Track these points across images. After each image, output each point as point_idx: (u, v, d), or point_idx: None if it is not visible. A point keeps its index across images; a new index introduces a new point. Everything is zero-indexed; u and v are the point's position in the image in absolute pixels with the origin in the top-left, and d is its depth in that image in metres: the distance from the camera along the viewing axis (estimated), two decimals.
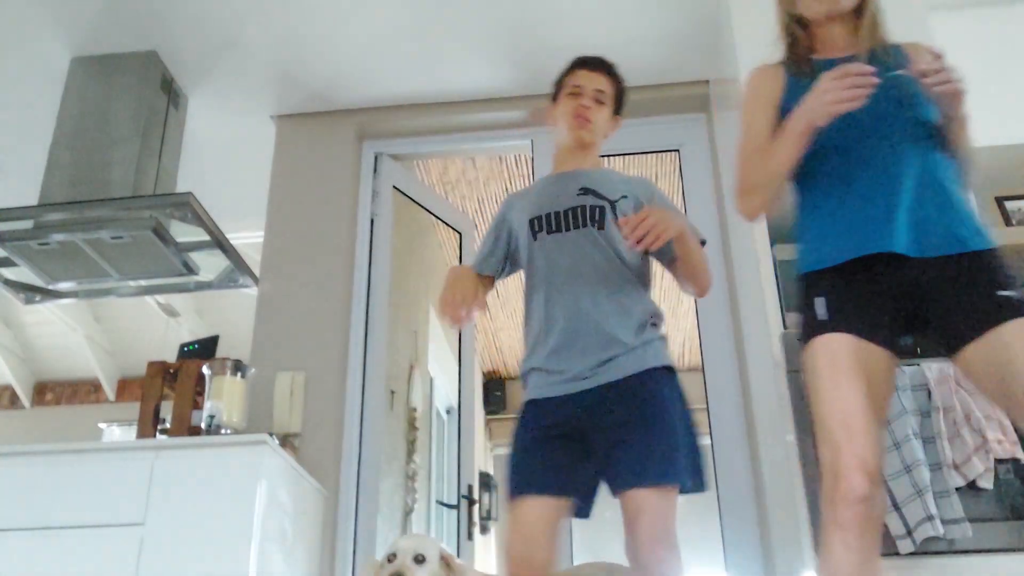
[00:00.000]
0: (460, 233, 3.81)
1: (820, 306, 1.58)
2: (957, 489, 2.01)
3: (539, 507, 1.80)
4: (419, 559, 1.71)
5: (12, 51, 3.16)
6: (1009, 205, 2.85)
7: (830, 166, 1.65)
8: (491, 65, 3.29)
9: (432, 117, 3.50)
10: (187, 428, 2.70)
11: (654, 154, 3.92)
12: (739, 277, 2.93)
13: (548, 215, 2.03)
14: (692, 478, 1.81)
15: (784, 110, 1.71)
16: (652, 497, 1.72)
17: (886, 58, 1.69)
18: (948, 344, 1.53)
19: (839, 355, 1.51)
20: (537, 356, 1.95)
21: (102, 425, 6.14)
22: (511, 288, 5.17)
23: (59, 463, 2.41)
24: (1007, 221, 2.83)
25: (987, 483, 2.02)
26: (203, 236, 3.01)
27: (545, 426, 1.88)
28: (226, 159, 3.76)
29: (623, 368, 1.84)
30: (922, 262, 1.54)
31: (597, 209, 1.99)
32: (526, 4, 3.01)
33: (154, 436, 2.72)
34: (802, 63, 1.77)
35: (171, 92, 3.29)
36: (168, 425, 2.72)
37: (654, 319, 1.95)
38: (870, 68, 1.51)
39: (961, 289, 1.51)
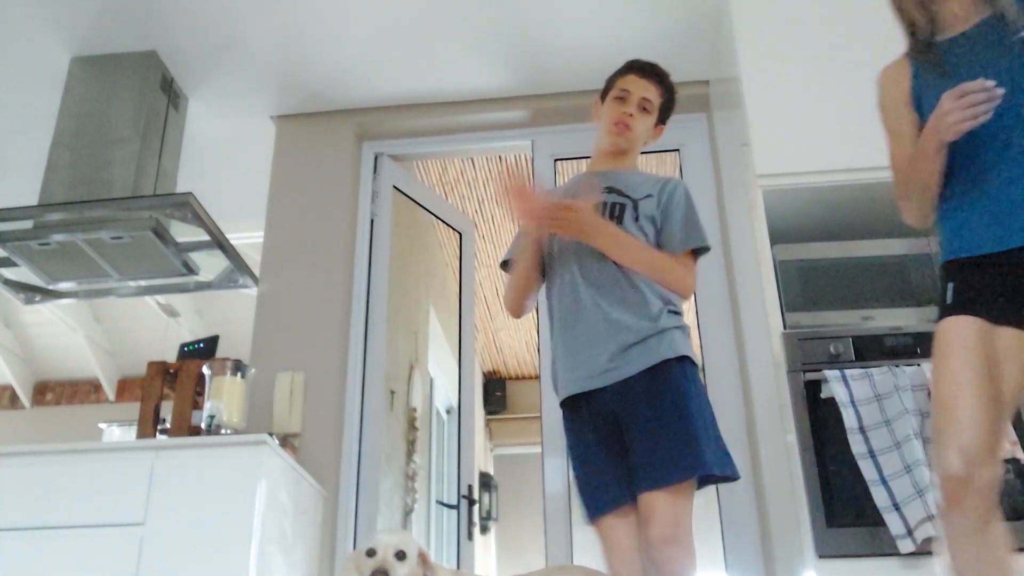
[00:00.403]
0: (460, 233, 3.81)
1: (950, 291, 1.56)
2: None
3: (618, 523, 1.81)
4: (400, 555, 1.70)
5: (12, 51, 3.16)
6: None
7: (966, 152, 1.58)
8: (491, 65, 3.29)
9: (432, 117, 3.50)
10: (187, 428, 2.70)
11: (654, 154, 3.91)
12: (739, 277, 2.93)
13: None
14: (715, 466, 1.79)
15: (917, 101, 1.67)
16: (661, 499, 1.72)
17: (1012, 14, 1.60)
18: None
19: (957, 336, 1.50)
20: (556, 352, 1.98)
21: (102, 425, 6.14)
22: None
23: (59, 463, 2.41)
24: None
25: None
26: (203, 236, 3.01)
27: (579, 432, 1.91)
28: (226, 159, 3.76)
29: (635, 362, 1.83)
30: None
31: (618, 206, 1.99)
32: (526, 4, 3.00)
33: (154, 436, 2.72)
34: (925, 50, 1.69)
35: (171, 92, 3.29)
36: (168, 425, 2.72)
37: (670, 306, 1.92)
38: (990, 83, 1.45)
39: None
